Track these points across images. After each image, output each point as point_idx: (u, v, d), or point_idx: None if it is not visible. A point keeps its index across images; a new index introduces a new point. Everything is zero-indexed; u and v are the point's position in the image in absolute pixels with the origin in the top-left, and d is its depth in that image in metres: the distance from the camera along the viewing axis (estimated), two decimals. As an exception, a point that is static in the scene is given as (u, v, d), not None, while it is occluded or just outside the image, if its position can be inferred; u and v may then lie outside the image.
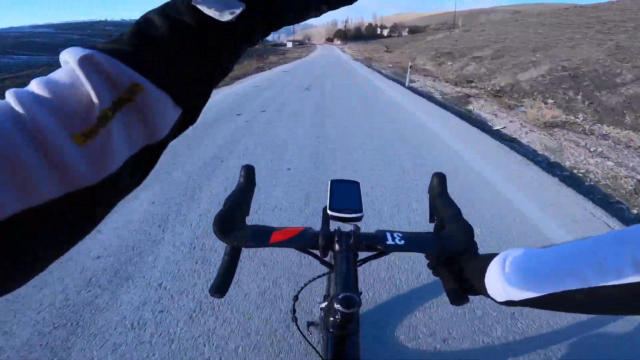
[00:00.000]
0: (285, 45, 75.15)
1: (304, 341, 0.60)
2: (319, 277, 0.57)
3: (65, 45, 0.19)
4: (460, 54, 12.71)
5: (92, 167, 0.17)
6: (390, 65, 15.27)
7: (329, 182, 0.52)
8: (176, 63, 0.20)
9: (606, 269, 0.26)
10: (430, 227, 0.51)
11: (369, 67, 15.52)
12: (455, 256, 0.43)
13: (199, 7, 0.20)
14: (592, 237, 0.29)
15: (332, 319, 0.38)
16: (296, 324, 0.55)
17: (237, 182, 0.51)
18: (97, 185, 0.18)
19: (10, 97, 0.17)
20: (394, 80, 9.92)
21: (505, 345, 1.26)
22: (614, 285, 0.25)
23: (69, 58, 0.18)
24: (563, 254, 0.31)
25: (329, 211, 0.48)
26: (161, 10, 0.21)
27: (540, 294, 0.32)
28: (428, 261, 0.48)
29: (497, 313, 1.38)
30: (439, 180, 0.50)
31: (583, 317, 1.37)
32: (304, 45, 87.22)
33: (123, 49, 0.19)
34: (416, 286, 1.52)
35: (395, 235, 0.43)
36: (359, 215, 0.48)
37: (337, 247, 0.43)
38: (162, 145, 0.22)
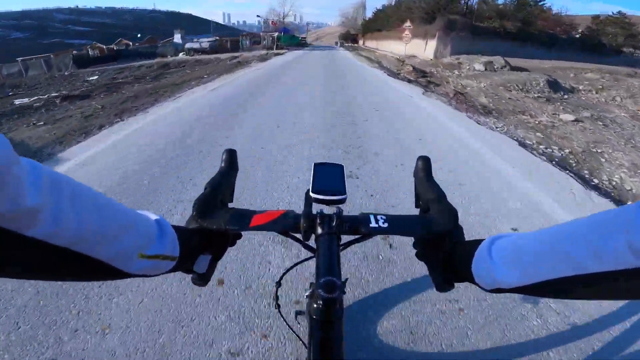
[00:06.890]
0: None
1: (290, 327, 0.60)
2: (302, 261, 0.55)
3: None
4: None
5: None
6: None
7: (312, 165, 0.50)
8: None
9: (602, 255, 0.24)
10: (416, 212, 0.48)
11: None
12: (440, 240, 0.41)
13: None
14: (583, 219, 0.27)
15: (314, 305, 0.37)
16: (279, 311, 0.53)
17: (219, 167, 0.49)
18: None
19: None
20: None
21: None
22: (611, 272, 0.24)
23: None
24: (554, 239, 0.29)
25: (311, 193, 0.46)
26: None
27: (530, 282, 0.30)
28: (415, 247, 0.46)
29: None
30: (424, 164, 0.48)
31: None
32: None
33: None
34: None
35: (379, 217, 0.42)
36: (342, 197, 0.46)
37: (319, 230, 0.41)
38: None
